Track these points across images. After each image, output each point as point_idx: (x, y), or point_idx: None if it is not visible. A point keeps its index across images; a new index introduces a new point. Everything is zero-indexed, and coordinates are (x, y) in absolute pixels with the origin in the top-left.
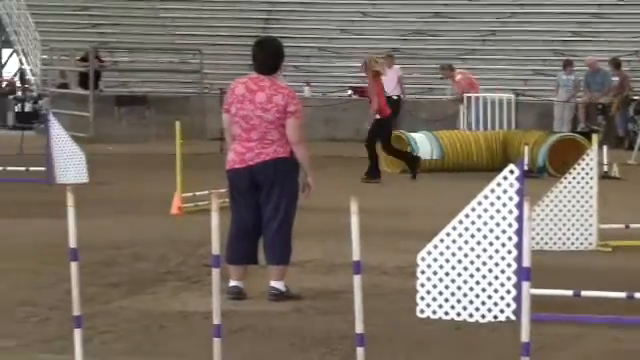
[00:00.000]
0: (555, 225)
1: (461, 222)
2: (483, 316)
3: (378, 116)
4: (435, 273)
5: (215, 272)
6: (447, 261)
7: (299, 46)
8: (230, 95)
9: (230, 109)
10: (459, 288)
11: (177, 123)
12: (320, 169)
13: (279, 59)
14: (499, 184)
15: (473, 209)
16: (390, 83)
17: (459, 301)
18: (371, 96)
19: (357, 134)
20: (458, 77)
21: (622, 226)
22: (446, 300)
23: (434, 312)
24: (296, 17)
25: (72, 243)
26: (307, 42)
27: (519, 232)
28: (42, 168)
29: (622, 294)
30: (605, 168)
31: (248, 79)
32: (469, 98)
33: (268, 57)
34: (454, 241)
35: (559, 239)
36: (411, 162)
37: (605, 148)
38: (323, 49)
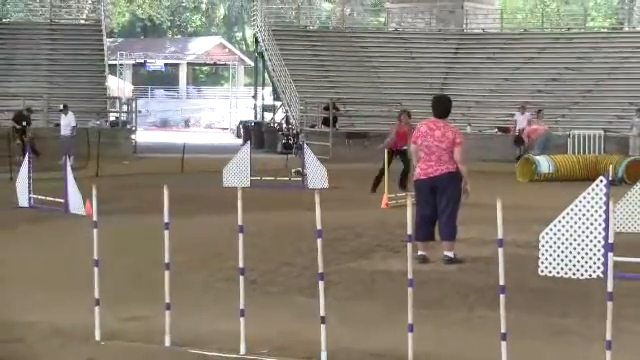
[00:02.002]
0: (633, 213)
1: (568, 213)
2: (582, 274)
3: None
4: (551, 246)
5: (409, 245)
6: (559, 238)
7: (464, 100)
8: (417, 132)
9: (417, 141)
10: (566, 256)
11: (386, 150)
12: (475, 179)
13: (449, 109)
14: (593, 189)
15: (576, 205)
16: (522, 123)
17: (566, 265)
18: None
19: (500, 157)
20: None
21: None
22: (558, 264)
23: (550, 272)
24: (462, 81)
25: (318, 225)
26: (469, 97)
27: (606, 219)
28: (299, 179)
29: None
30: None
31: (429, 121)
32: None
33: (442, 107)
34: (563, 226)
35: (633, 223)
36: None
37: None
38: (479, 102)
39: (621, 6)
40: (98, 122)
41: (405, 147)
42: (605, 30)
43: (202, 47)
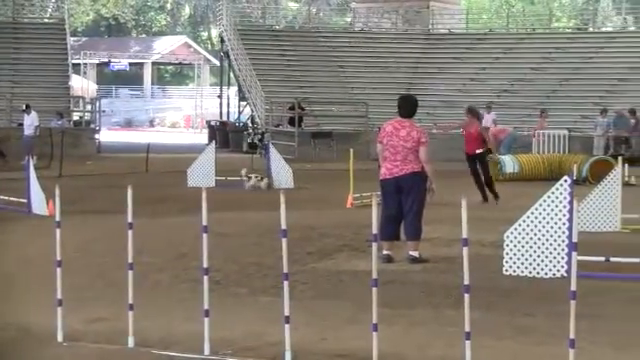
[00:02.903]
0: (596, 213)
1: (533, 213)
2: (546, 274)
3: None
4: (515, 246)
5: (374, 245)
6: (523, 238)
7: (430, 100)
8: (382, 131)
9: (383, 141)
10: (530, 255)
11: (351, 150)
12: (440, 179)
13: (415, 108)
14: (557, 188)
15: (541, 204)
16: (488, 123)
17: (531, 264)
18: (485, 135)
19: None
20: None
21: (637, 215)
22: (522, 263)
23: (514, 271)
24: (428, 80)
25: (283, 225)
26: (435, 97)
27: (570, 218)
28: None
29: (636, 259)
30: (626, 178)
31: (394, 121)
32: (539, 134)
33: (408, 107)
34: (528, 225)
35: (597, 222)
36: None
37: (626, 165)
38: (446, 102)
39: (586, 7)
40: (60, 122)
41: (479, 150)
42: (570, 30)
43: (167, 46)
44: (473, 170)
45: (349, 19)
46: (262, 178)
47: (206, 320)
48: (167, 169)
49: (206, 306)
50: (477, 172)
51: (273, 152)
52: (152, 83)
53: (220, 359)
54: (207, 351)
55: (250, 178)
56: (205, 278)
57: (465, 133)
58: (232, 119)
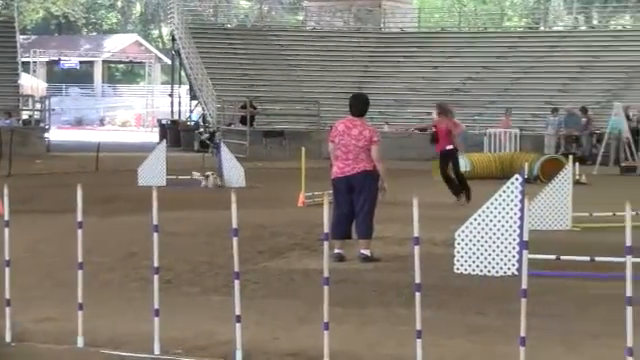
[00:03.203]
0: (547, 211)
1: (484, 211)
2: (497, 272)
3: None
4: (467, 244)
5: (325, 243)
6: (474, 236)
7: (382, 99)
8: (334, 130)
9: (334, 140)
10: (482, 254)
11: (302, 149)
12: (392, 178)
13: (366, 107)
14: (509, 187)
15: (492, 202)
16: None
17: (482, 262)
18: (454, 130)
19: (418, 155)
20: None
21: (587, 214)
22: (473, 262)
23: (465, 270)
24: (380, 79)
25: (234, 224)
26: (387, 96)
27: (521, 217)
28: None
29: (587, 258)
30: (577, 177)
31: (346, 120)
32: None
33: (360, 106)
34: (479, 224)
35: (548, 221)
36: (459, 189)
37: (577, 164)
38: (397, 100)
39: (537, 6)
40: (8, 121)
41: (448, 147)
42: (521, 30)
43: (118, 45)
44: (442, 168)
45: (301, 18)
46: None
47: (156, 319)
48: (118, 168)
49: (156, 305)
50: (446, 170)
51: (224, 151)
52: (103, 81)
53: (171, 358)
54: (157, 351)
55: (208, 177)
56: (155, 277)
57: (436, 131)
58: (183, 118)
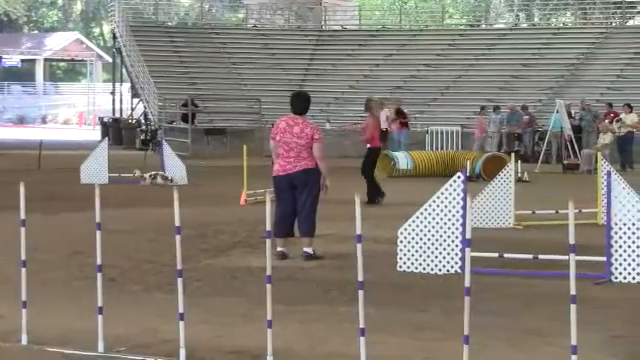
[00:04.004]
0: (490, 209)
1: (426, 209)
2: (440, 270)
3: (369, 145)
4: (409, 242)
5: (268, 241)
6: (417, 234)
7: (323, 96)
8: (275, 128)
9: (275, 137)
10: (424, 252)
11: (244, 147)
12: (334, 175)
13: (308, 105)
14: (451, 184)
15: (434, 200)
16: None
17: (424, 260)
18: (366, 129)
19: (359, 153)
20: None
21: (530, 211)
22: (416, 259)
23: (408, 267)
24: (322, 77)
25: (177, 222)
26: (328, 94)
27: (463, 214)
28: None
29: (529, 255)
30: (519, 174)
31: (287, 117)
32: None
33: (301, 103)
34: (422, 222)
35: (490, 219)
36: (375, 194)
37: (519, 162)
38: (339, 98)
39: (478, 4)
40: None
41: (368, 145)
42: (462, 27)
43: (59, 43)
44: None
45: (242, 16)
46: (156, 175)
47: (100, 317)
48: (60, 166)
49: (100, 303)
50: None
51: (166, 149)
52: (44, 80)
53: (114, 356)
54: (101, 348)
55: (156, 177)
56: (99, 275)
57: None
58: (124, 116)
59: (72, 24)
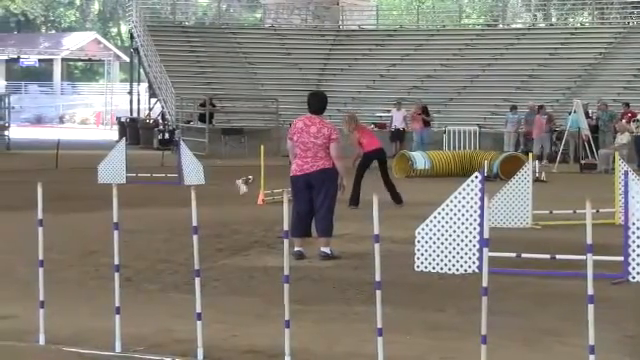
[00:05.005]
0: (507, 209)
1: (444, 209)
2: (457, 270)
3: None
4: (427, 242)
5: (285, 241)
6: (435, 234)
7: (340, 96)
8: (293, 128)
9: (293, 137)
10: (442, 251)
11: (262, 146)
12: (351, 176)
13: (325, 105)
14: (468, 184)
15: (452, 200)
16: (398, 119)
17: (442, 260)
18: (355, 144)
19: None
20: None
21: (547, 211)
22: (433, 259)
23: (425, 267)
24: (339, 77)
25: (194, 222)
26: (345, 94)
27: (481, 214)
28: (175, 175)
29: (547, 255)
30: (537, 174)
31: (305, 117)
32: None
33: (318, 103)
34: (439, 221)
35: (508, 218)
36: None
37: (537, 161)
38: (355, 98)
39: (495, 3)
40: None
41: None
42: (480, 27)
43: (77, 43)
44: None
45: (259, 15)
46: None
47: (117, 317)
48: (77, 166)
49: (117, 303)
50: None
51: (184, 148)
52: (62, 79)
53: (131, 356)
54: (118, 348)
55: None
56: (116, 275)
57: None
58: (142, 116)
59: (90, 24)
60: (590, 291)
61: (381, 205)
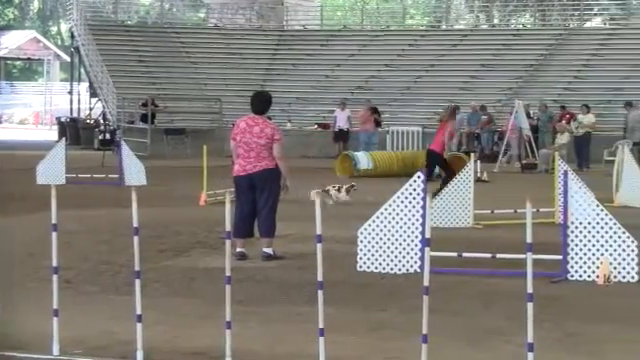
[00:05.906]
0: (449, 209)
1: (386, 209)
2: (400, 269)
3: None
4: (369, 242)
5: (227, 242)
6: (377, 234)
7: (284, 97)
8: (235, 128)
9: (236, 137)
10: (384, 251)
11: (204, 147)
12: (295, 176)
13: (268, 105)
14: (411, 185)
15: (394, 200)
16: (342, 120)
17: (384, 260)
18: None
19: (320, 153)
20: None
21: (489, 211)
22: (376, 259)
23: (368, 267)
24: (283, 77)
25: (135, 223)
26: (289, 94)
27: (423, 214)
28: (116, 175)
29: (488, 254)
30: (478, 174)
31: (247, 118)
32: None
33: (261, 104)
34: (382, 221)
35: (450, 218)
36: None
37: (478, 162)
38: (300, 98)
39: (438, 5)
40: None
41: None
42: (423, 28)
43: (15, 41)
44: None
45: (203, 15)
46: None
47: (55, 319)
48: (15, 166)
49: (55, 305)
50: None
51: (125, 149)
52: (0, 79)
53: (70, 359)
54: (56, 351)
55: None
56: (55, 277)
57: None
58: (82, 116)
59: (29, 22)
60: (530, 289)
61: (324, 204)
